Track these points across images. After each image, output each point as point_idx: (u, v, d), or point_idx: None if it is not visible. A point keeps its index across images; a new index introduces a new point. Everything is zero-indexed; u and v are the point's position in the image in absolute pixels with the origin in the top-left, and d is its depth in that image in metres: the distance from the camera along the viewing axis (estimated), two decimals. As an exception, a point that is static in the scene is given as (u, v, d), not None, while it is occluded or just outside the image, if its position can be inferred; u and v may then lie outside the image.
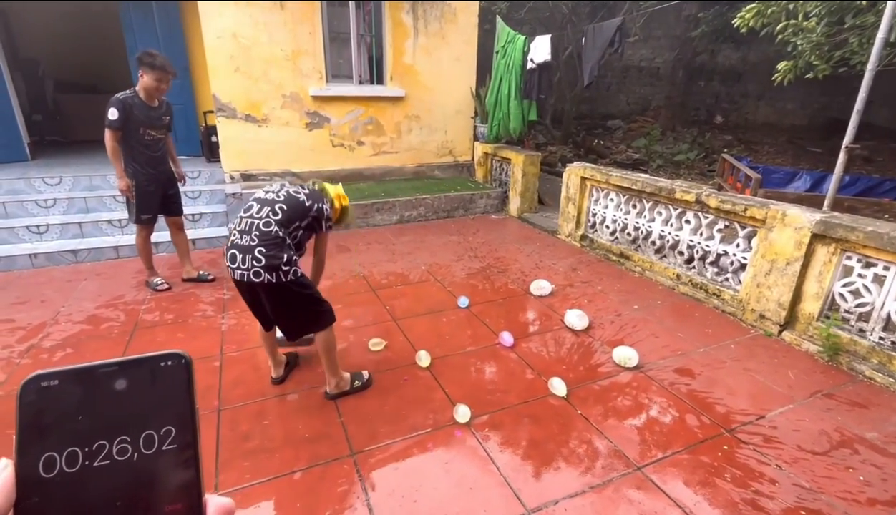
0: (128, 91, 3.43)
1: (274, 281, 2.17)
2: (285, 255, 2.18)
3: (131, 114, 3.38)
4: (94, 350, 3.02)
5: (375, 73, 6.49)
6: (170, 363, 0.36)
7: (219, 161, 6.06)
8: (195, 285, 4.01)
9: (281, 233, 2.20)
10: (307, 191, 2.39)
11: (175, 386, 0.36)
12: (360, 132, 6.50)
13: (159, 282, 3.90)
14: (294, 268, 2.23)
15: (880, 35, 2.97)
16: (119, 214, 4.93)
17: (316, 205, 2.37)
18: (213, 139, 6.08)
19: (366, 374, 2.67)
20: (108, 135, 3.36)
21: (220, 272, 4.20)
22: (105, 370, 0.35)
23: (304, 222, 2.33)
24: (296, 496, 1.96)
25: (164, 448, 0.34)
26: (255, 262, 2.14)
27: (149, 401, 0.35)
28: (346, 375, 2.59)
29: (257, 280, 2.17)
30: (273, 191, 2.33)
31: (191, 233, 4.76)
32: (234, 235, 2.22)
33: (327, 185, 2.55)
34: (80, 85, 8.21)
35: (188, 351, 0.37)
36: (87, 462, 0.33)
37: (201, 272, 4.11)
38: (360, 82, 6.39)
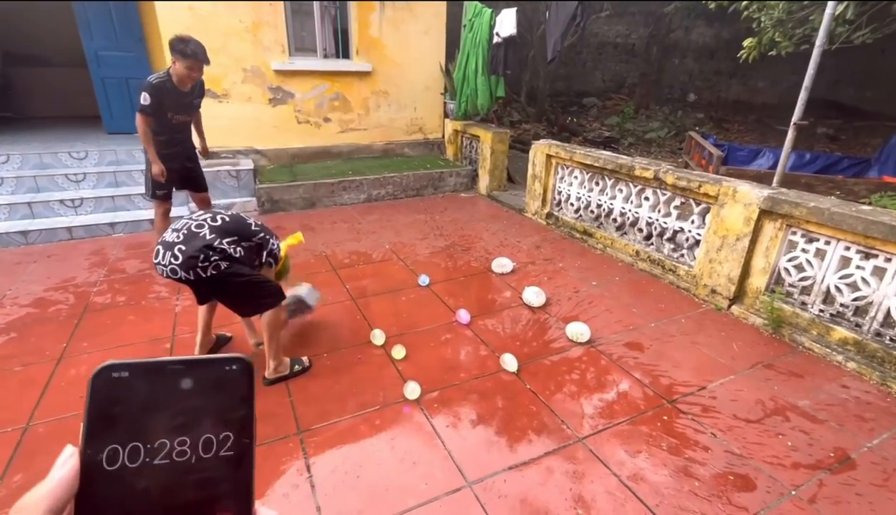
0: (161, 74, 3.35)
1: (192, 278, 2.12)
2: (202, 254, 2.09)
3: (163, 100, 3.34)
4: (40, 334, 2.94)
5: (341, 47, 6.30)
6: (234, 367, 0.35)
7: (179, 138, 5.84)
8: (151, 267, 3.91)
9: (208, 237, 2.13)
10: (261, 225, 2.41)
11: (237, 390, 0.35)
12: (327, 108, 6.34)
13: None
14: (216, 263, 2.12)
15: (828, 11, 2.99)
16: (72, 194, 4.76)
17: (265, 236, 2.39)
18: (172, 115, 5.85)
19: (306, 360, 2.63)
20: (139, 118, 3.32)
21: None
22: (173, 367, 0.34)
23: (245, 243, 2.28)
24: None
25: (222, 453, 0.34)
26: (172, 259, 2.10)
27: (211, 404, 0.34)
28: (287, 360, 2.54)
29: (175, 277, 2.13)
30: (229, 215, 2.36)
31: (148, 214, 4.64)
32: (167, 231, 2.20)
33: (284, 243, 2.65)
34: (34, 57, 7.79)
35: (139, 334, 0.35)
36: (147, 460, 0.33)
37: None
38: (325, 56, 6.21)
